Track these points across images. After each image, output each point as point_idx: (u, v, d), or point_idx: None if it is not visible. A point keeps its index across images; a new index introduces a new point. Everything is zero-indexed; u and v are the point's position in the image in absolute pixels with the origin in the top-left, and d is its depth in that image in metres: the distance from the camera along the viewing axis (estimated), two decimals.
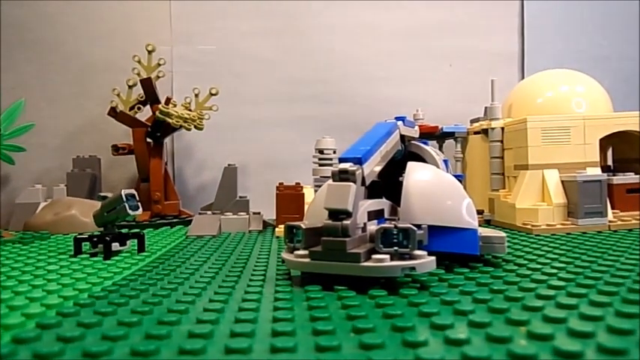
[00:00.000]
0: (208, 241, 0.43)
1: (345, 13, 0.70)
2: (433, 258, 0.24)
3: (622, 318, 0.18)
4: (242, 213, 0.52)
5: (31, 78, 0.68)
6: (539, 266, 0.28)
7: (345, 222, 0.24)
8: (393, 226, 0.23)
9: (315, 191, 0.52)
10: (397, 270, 0.23)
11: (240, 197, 0.55)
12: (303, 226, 0.26)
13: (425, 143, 0.33)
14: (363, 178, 0.25)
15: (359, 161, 0.25)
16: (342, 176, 0.24)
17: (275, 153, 0.69)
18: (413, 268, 0.23)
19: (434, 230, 0.27)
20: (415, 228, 0.23)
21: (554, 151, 0.46)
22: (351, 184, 0.24)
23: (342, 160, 0.25)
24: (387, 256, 0.23)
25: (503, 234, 0.30)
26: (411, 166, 0.30)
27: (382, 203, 0.30)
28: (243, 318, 0.19)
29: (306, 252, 0.25)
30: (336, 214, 0.24)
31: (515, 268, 0.28)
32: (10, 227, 0.54)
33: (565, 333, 0.17)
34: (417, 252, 0.23)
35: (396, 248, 0.23)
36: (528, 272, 0.26)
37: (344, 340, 0.16)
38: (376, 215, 0.28)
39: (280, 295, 0.22)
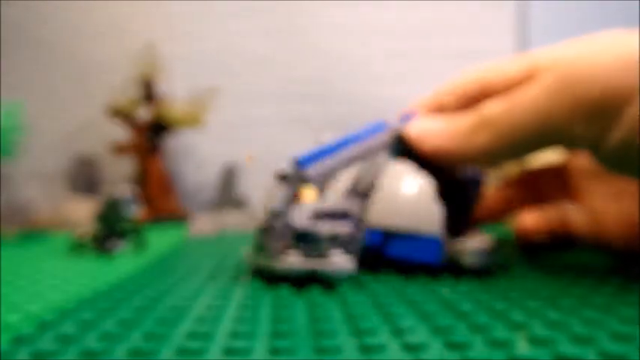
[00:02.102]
0: (208, 239, 0.43)
1: (344, 13, 0.70)
2: (347, 263, 0.24)
3: (624, 322, 0.18)
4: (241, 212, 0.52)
5: (29, 77, 0.68)
6: (538, 268, 0.28)
7: (273, 221, 0.25)
8: (306, 227, 0.25)
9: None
10: (300, 271, 0.24)
11: (240, 196, 0.55)
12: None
13: None
14: (305, 179, 0.27)
15: (299, 164, 0.27)
16: (279, 178, 0.26)
17: (275, 152, 0.68)
18: (316, 270, 0.24)
19: (396, 236, 0.27)
20: (323, 230, 0.24)
21: (555, 151, 0.46)
22: (281, 185, 0.26)
23: (294, 162, 0.27)
24: (297, 255, 0.24)
25: (481, 244, 0.27)
26: (390, 167, 0.29)
27: (351, 203, 0.29)
28: (243, 317, 0.19)
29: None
30: (271, 212, 0.26)
31: (515, 269, 0.28)
32: (10, 227, 0.54)
33: (566, 337, 0.16)
34: (336, 256, 0.24)
35: (308, 249, 0.24)
36: (528, 273, 0.26)
37: (344, 341, 0.16)
38: (339, 216, 0.28)
39: (280, 295, 0.22)
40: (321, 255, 0.24)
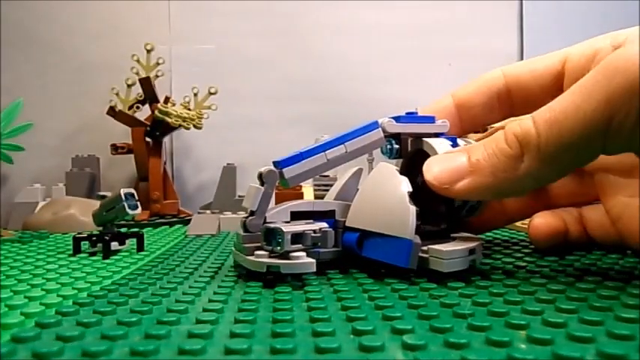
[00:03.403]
0: (207, 240, 0.43)
1: (344, 13, 0.70)
2: (310, 261, 0.25)
3: (622, 323, 0.18)
4: (241, 212, 0.52)
5: (29, 77, 0.68)
6: (538, 269, 0.28)
7: (248, 219, 0.27)
8: (275, 227, 0.26)
9: (315, 191, 0.52)
10: (262, 266, 0.25)
11: (240, 196, 0.55)
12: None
13: (452, 140, 0.29)
14: (285, 180, 0.28)
15: (277, 165, 0.27)
16: (258, 179, 0.27)
17: (274, 152, 0.68)
18: (277, 267, 0.25)
19: (371, 237, 0.27)
20: (285, 230, 0.25)
21: None
22: (257, 186, 0.27)
23: (273, 163, 0.28)
24: (265, 253, 0.26)
25: (447, 247, 0.26)
26: (377, 167, 0.29)
27: (332, 204, 0.30)
28: (242, 318, 0.19)
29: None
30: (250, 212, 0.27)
31: (515, 270, 0.28)
32: (9, 226, 0.54)
33: (565, 337, 0.17)
34: (295, 254, 0.25)
35: (273, 248, 0.26)
36: (528, 275, 0.26)
37: (344, 342, 0.16)
38: (320, 215, 0.29)
39: (279, 296, 0.22)
40: (284, 254, 0.25)
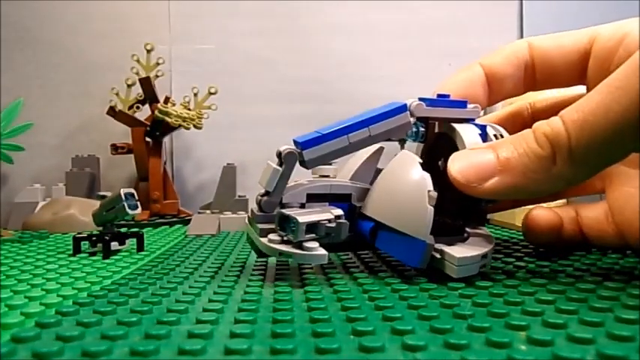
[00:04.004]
0: (207, 240, 0.43)
1: (344, 13, 0.70)
2: (323, 254, 0.24)
3: (622, 324, 0.18)
4: (241, 212, 0.52)
5: (29, 77, 0.68)
6: (538, 269, 0.28)
7: (264, 198, 0.26)
8: (288, 213, 0.25)
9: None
10: (275, 252, 0.25)
11: (240, 196, 0.55)
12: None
13: (482, 128, 0.28)
14: (303, 162, 0.27)
15: (298, 145, 0.27)
16: (277, 158, 0.27)
17: (274, 152, 0.68)
18: (289, 256, 0.24)
19: (386, 229, 0.26)
20: (301, 220, 0.24)
21: None
22: (275, 166, 0.26)
23: (294, 142, 0.27)
24: (278, 238, 0.25)
25: (461, 254, 0.25)
26: (398, 156, 0.28)
27: (349, 187, 0.29)
28: (242, 318, 0.19)
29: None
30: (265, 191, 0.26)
31: (515, 270, 0.28)
32: (9, 226, 0.54)
33: (565, 338, 0.16)
34: (308, 244, 0.24)
35: (286, 234, 0.25)
36: (528, 275, 0.26)
37: (344, 343, 0.16)
38: (337, 199, 0.28)
39: (280, 296, 0.22)
40: (297, 242, 0.25)
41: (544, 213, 0.32)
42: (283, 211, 0.25)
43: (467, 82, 0.30)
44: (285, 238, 0.25)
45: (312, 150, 0.26)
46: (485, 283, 0.24)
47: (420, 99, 0.29)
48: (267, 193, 0.26)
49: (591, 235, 0.31)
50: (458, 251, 0.25)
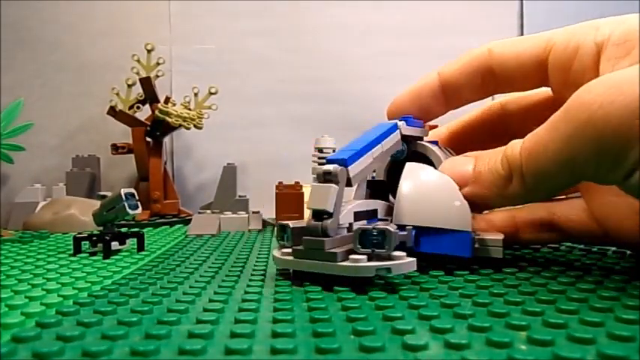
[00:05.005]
0: (208, 240, 0.43)
1: (344, 13, 0.70)
2: (413, 260, 0.24)
3: (623, 324, 0.18)
4: (241, 212, 0.52)
5: (30, 77, 0.68)
6: (539, 268, 0.28)
7: (325, 222, 0.24)
8: (371, 227, 0.24)
9: None
10: (371, 270, 0.23)
11: (240, 196, 0.55)
12: (291, 225, 0.27)
13: (435, 143, 0.32)
14: (349, 179, 0.26)
15: (344, 163, 0.25)
16: (326, 177, 0.25)
17: (274, 152, 0.69)
18: (388, 270, 0.23)
19: (426, 231, 0.27)
20: (392, 229, 0.23)
21: None
22: (333, 185, 0.25)
23: (329, 162, 0.26)
24: (364, 257, 0.23)
25: (500, 236, 0.29)
26: (408, 167, 0.29)
27: (375, 203, 0.30)
28: (243, 318, 0.19)
29: (291, 250, 0.26)
30: (318, 214, 0.25)
31: (515, 270, 0.28)
32: (10, 226, 0.54)
33: (565, 338, 0.16)
34: (396, 253, 0.24)
35: (373, 249, 0.24)
36: (528, 275, 0.26)
37: (344, 343, 0.16)
38: (368, 215, 0.29)
39: (280, 296, 0.22)
40: (388, 255, 0.24)
41: (496, 218, 0.33)
42: (362, 227, 0.24)
43: (423, 90, 0.32)
44: (369, 255, 0.24)
45: (354, 165, 0.26)
46: (486, 283, 0.24)
47: (400, 120, 0.31)
48: (328, 216, 0.25)
49: (573, 231, 0.31)
50: (497, 235, 0.29)
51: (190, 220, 0.51)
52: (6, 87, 0.66)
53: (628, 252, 0.33)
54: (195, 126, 0.59)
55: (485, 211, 0.33)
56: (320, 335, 0.17)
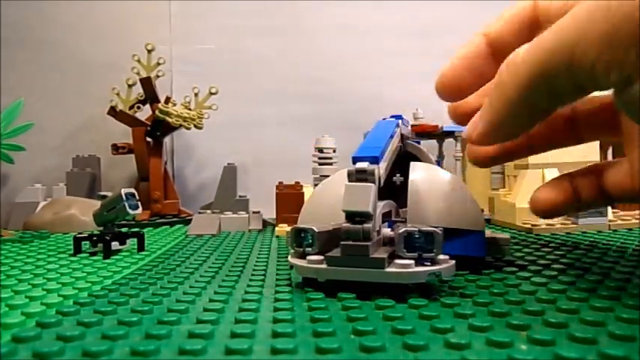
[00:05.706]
0: (208, 240, 0.43)
1: (345, 13, 0.70)
2: (454, 262, 0.23)
3: (623, 323, 0.18)
4: (242, 212, 0.52)
5: (30, 77, 0.68)
6: (539, 268, 0.28)
7: (366, 225, 0.22)
8: (416, 229, 0.22)
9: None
10: (423, 275, 0.21)
11: (240, 196, 0.55)
12: (316, 230, 0.24)
13: (418, 143, 0.32)
14: (379, 179, 0.24)
15: (375, 160, 0.24)
16: (360, 176, 0.23)
17: (275, 152, 0.69)
18: (439, 275, 0.22)
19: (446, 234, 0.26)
20: (439, 232, 0.22)
21: (555, 150, 0.46)
22: (371, 185, 0.23)
23: (356, 159, 0.24)
24: (412, 262, 0.22)
25: (507, 236, 0.29)
26: (416, 166, 0.29)
27: (390, 205, 0.28)
28: (243, 318, 0.19)
29: (320, 257, 0.23)
30: (355, 216, 0.22)
31: (516, 269, 0.28)
32: (10, 226, 0.54)
33: (566, 338, 0.16)
34: (440, 257, 0.22)
35: (419, 252, 0.22)
36: (529, 274, 0.26)
37: (344, 342, 0.16)
38: (385, 217, 0.27)
39: (280, 296, 0.22)
40: (435, 258, 0.22)
41: (545, 194, 0.30)
42: (408, 229, 0.22)
43: (468, 61, 0.29)
44: (415, 259, 0.22)
45: (381, 164, 0.25)
46: (486, 283, 0.24)
47: (392, 116, 0.31)
48: (367, 218, 0.22)
49: (615, 194, 0.29)
50: (502, 237, 0.29)
51: (190, 220, 0.51)
52: (6, 87, 0.66)
53: (628, 251, 0.33)
54: (195, 126, 0.59)
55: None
56: (320, 335, 0.17)
